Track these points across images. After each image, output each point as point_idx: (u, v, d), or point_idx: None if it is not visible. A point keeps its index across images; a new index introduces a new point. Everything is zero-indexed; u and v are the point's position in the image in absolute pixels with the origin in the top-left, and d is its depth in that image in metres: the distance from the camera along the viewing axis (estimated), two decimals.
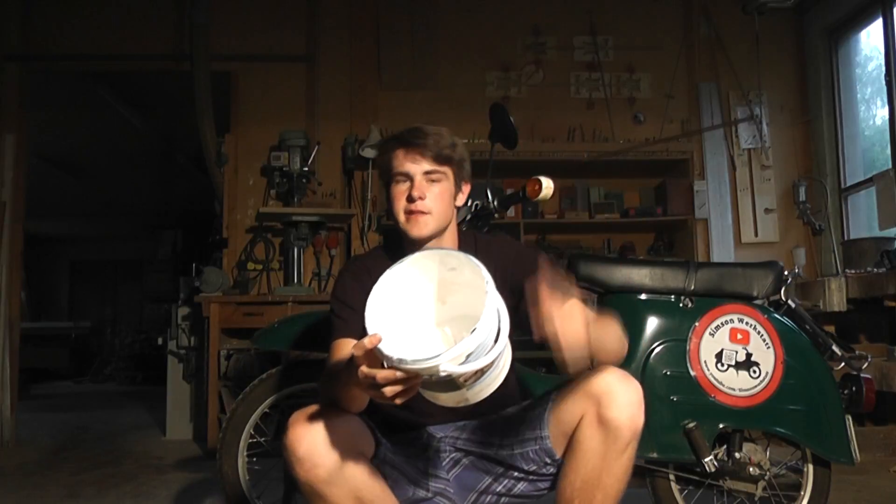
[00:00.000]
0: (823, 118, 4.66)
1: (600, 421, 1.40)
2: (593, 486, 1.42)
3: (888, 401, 3.32)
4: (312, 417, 1.36)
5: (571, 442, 1.45)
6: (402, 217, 1.56)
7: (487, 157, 2.19)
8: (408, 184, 1.55)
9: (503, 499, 1.60)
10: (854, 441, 2.02)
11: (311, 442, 1.34)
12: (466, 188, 1.65)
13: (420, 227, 1.55)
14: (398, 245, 1.63)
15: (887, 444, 3.38)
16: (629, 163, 4.61)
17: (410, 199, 1.54)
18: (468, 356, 1.11)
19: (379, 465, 1.48)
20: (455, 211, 1.64)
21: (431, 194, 1.55)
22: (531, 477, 1.56)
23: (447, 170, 1.57)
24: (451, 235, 1.64)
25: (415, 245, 1.57)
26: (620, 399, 1.39)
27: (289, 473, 1.39)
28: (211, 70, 4.25)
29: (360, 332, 1.49)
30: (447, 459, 1.61)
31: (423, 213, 1.54)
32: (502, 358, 1.20)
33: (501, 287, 1.56)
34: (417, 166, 1.55)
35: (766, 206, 4.65)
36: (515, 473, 1.57)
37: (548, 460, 1.52)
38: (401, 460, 1.55)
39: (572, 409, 1.46)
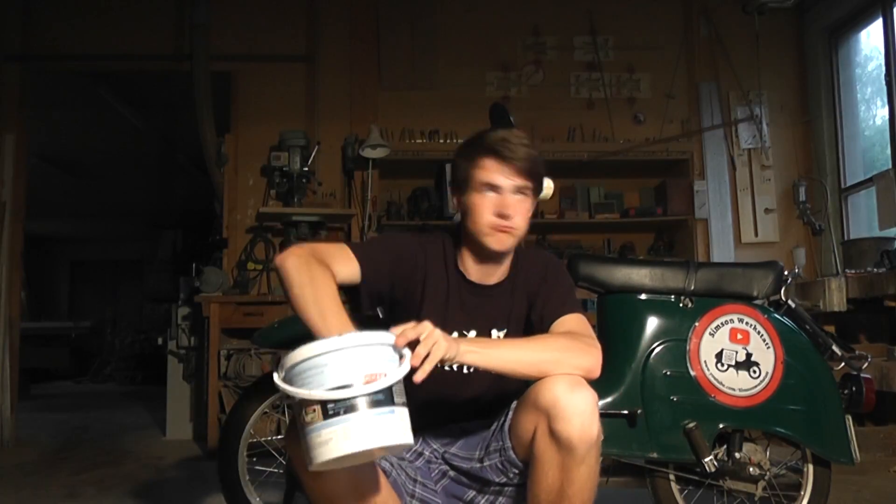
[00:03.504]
0: (823, 118, 4.65)
1: (552, 434, 1.35)
2: (558, 498, 1.39)
3: (888, 401, 3.31)
4: None
5: (531, 454, 1.42)
6: (485, 230, 1.50)
7: None
8: (493, 196, 1.49)
9: None
10: (854, 441, 2.02)
11: None
12: (535, 202, 1.60)
13: (503, 243, 1.51)
14: (454, 250, 1.60)
15: (887, 444, 3.37)
16: (629, 163, 4.61)
17: (502, 216, 1.48)
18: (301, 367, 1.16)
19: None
20: None
21: (519, 210, 1.50)
22: (507, 489, 1.55)
23: (534, 185, 1.52)
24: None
25: (483, 256, 1.55)
26: (569, 411, 1.33)
27: (290, 473, 1.39)
28: (211, 70, 4.25)
29: (367, 279, 1.50)
30: (436, 471, 1.62)
31: (512, 229, 1.49)
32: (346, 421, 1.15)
33: (523, 297, 1.60)
34: (509, 181, 1.48)
35: (766, 206, 4.64)
36: (493, 487, 1.57)
37: (515, 471, 1.51)
38: (395, 460, 1.55)
39: (525, 421, 1.43)
